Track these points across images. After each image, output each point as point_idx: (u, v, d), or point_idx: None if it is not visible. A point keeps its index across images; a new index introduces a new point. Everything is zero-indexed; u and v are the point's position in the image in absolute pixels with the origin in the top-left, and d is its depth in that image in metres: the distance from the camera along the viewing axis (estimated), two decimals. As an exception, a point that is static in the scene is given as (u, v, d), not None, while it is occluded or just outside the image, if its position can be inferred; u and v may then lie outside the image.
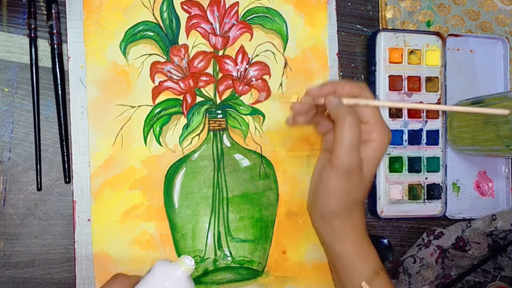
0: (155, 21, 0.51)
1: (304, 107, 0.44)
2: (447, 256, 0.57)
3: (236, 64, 0.54)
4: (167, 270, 0.40)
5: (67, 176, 0.49)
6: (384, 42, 0.57)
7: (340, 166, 0.41)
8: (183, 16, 0.52)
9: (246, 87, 0.54)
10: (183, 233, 0.51)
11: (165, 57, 0.51)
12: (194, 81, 0.52)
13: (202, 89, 0.52)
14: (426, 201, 0.58)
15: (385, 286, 0.44)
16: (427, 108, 0.56)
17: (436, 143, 0.59)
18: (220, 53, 0.53)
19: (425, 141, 0.58)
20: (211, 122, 0.52)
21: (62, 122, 0.49)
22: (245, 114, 0.54)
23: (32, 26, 0.48)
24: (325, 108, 0.44)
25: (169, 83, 0.51)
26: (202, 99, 0.52)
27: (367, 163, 0.42)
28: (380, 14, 0.60)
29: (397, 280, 0.57)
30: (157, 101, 0.51)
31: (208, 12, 0.53)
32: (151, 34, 0.51)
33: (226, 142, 0.53)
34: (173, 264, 0.41)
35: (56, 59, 0.49)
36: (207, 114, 0.52)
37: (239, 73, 0.54)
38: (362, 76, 0.59)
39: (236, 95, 0.53)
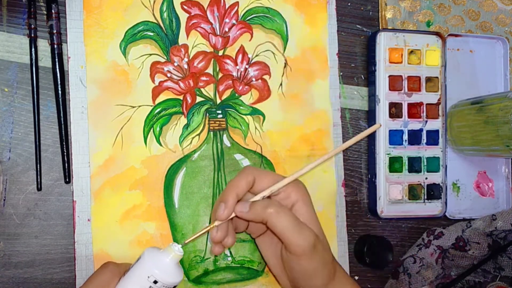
0: (155, 21, 0.51)
1: (223, 232, 0.43)
2: (447, 256, 0.57)
3: (236, 64, 0.53)
4: (156, 257, 0.41)
5: (67, 176, 0.49)
6: (384, 42, 0.57)
7: (304, 250, 0.41)
8: (183, 16, 0.52)
9: (246, 87, 0.54)
10: (183, 233, 0.51)
11: (165, 57, 0.51)
12: (194, 81, 0.52)
13: (202, 89, 0.52)
14: (426, 201, 0.58)
15: None
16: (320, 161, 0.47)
17: (436, 143, 0.59)
18: (220, 53, 0.53)
19: (425, 141, 0.58)
20: (211, 122, 0.52)
21: (62, 122, 0.49)
22: (245, 114, 0.54)
23: (32, 26, 0.48)
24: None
25: (169, 83, 0.51)
26: (202, 99, 0.52)
27: (308, 222, 0.42)
28: (380, 14, 0.60)
29: (397, 280, 0.57)
30: (157, 101, 0.51)
31: (208, 12, 0.53)
32: (151, 34, 0.51)
33: (226, 142, 0.53)
34: (162, 252, 0.41)
35: (56, 59, 0.49)
36: (207, 114, 0.52)
37: (239, 73, 0.54)
38: (362, 76, 0.59)
39: (236, 95, 0.53)
